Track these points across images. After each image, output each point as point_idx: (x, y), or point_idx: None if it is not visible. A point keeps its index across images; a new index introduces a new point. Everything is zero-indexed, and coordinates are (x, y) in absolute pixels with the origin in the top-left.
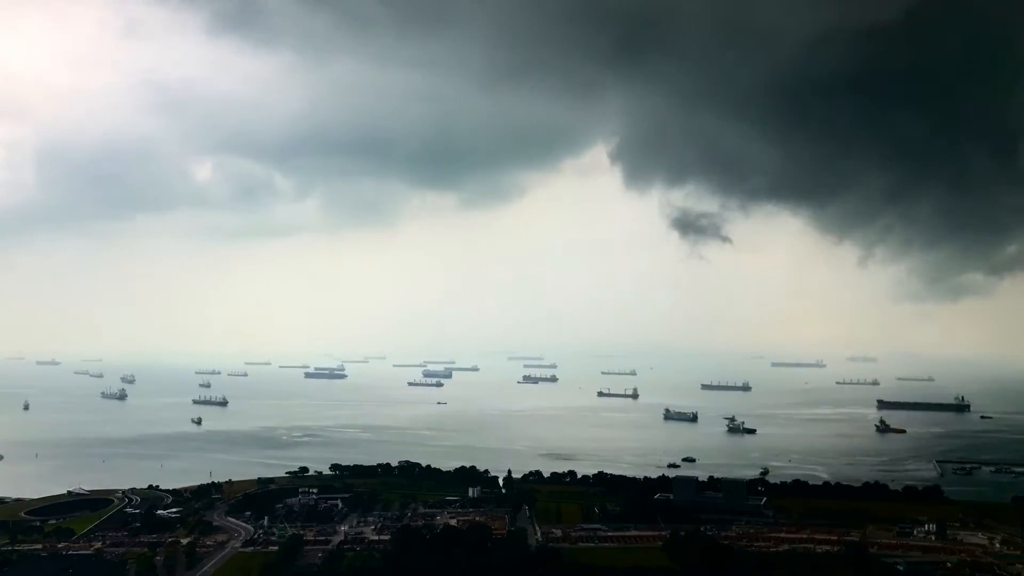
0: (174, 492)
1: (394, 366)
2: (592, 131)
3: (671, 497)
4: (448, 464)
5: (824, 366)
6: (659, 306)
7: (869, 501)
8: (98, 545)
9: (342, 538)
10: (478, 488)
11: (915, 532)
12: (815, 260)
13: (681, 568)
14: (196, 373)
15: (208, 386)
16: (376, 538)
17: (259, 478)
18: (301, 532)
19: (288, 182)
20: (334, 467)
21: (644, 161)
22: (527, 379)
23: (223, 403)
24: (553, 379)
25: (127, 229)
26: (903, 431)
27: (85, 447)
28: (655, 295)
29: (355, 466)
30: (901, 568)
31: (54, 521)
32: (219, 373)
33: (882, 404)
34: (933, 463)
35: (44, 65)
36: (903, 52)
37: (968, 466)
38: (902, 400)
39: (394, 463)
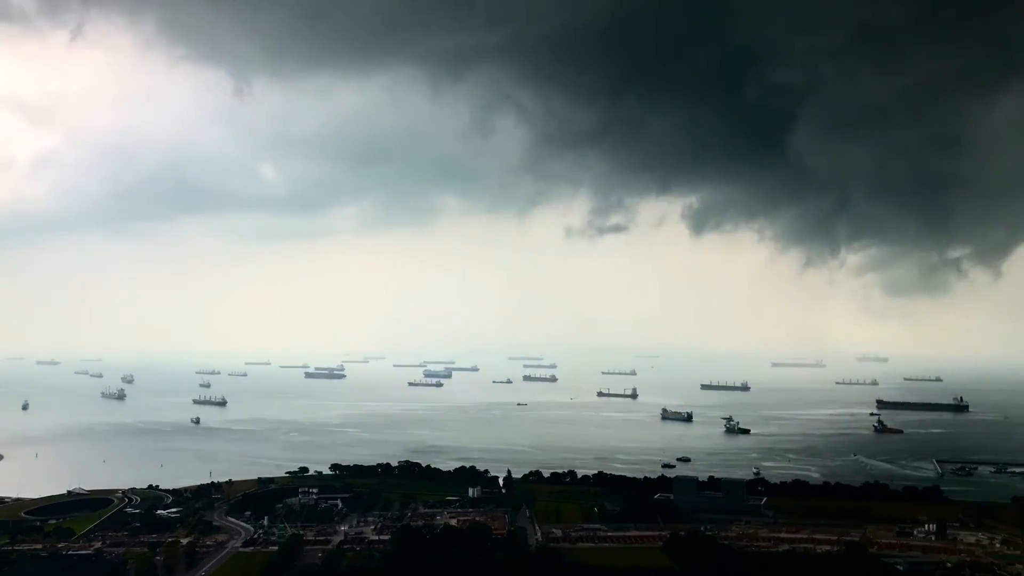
0: (174, 492)
1: (394, 366)
2: None
3: (671, 497)
4: (448, 464)
5: (824, 366)
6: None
7: (869, 501)
8: (98, 545)
9: (342, 538)
10: (478, 488)
11: (915, 532)
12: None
13: (681, 568)
14: (196, 373)
15: (208, 386)
16: (376, 538)
17: (259, 478)
18: (301, 532)
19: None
20: (334, 467)
21: None
22: (527, 379)
23: (222, 403)
24: (552, 379)
25: (168, 230)
26: (900, 431)
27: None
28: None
29: (355, 466)
30: (901, 568)
31: (54, 521)
32: (219, 373)
33: (882, 404)
34: (933, 463)
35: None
36: None
37: (968, 466)
38: (902, 400)
39: (394, 463)
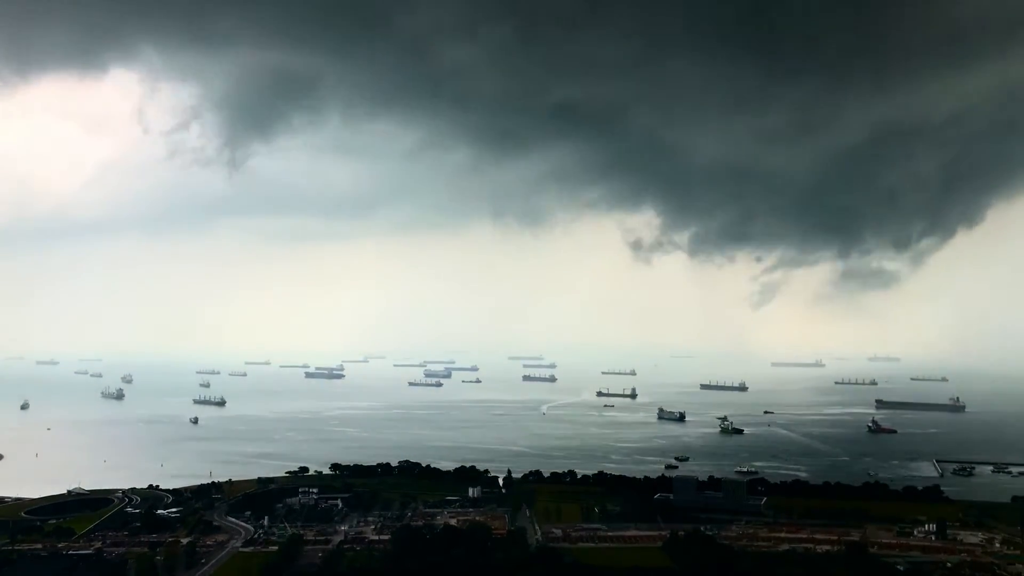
0: (174, 492)
1: (394, 365)
2: None
3: (671, 497)
4: (448, 464)
5: (823, 366)
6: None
7: (869, 501)
8: (98, 545)
9: (342, 538)
10: (478, 488)
11: (915, 532)
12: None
13: (681, 568)
14: (197, 373)
15: (208, 386)
16: (376, 538)
17: (259, 478)
18: (301, 532)
19: None
20: (334, 467)
21: None
22: (527, 379)
23: (221, 403)
24: (552, 379)
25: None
26: (894, 431)
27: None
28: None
29: (355, 466)
30: (901, 568)
31: (54, 521)
32: (219, 373)
33: (880, 404)
34: (933, 463)
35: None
36: None
37: (968, 466)
38: (900, 400)
39: (394, 463)
